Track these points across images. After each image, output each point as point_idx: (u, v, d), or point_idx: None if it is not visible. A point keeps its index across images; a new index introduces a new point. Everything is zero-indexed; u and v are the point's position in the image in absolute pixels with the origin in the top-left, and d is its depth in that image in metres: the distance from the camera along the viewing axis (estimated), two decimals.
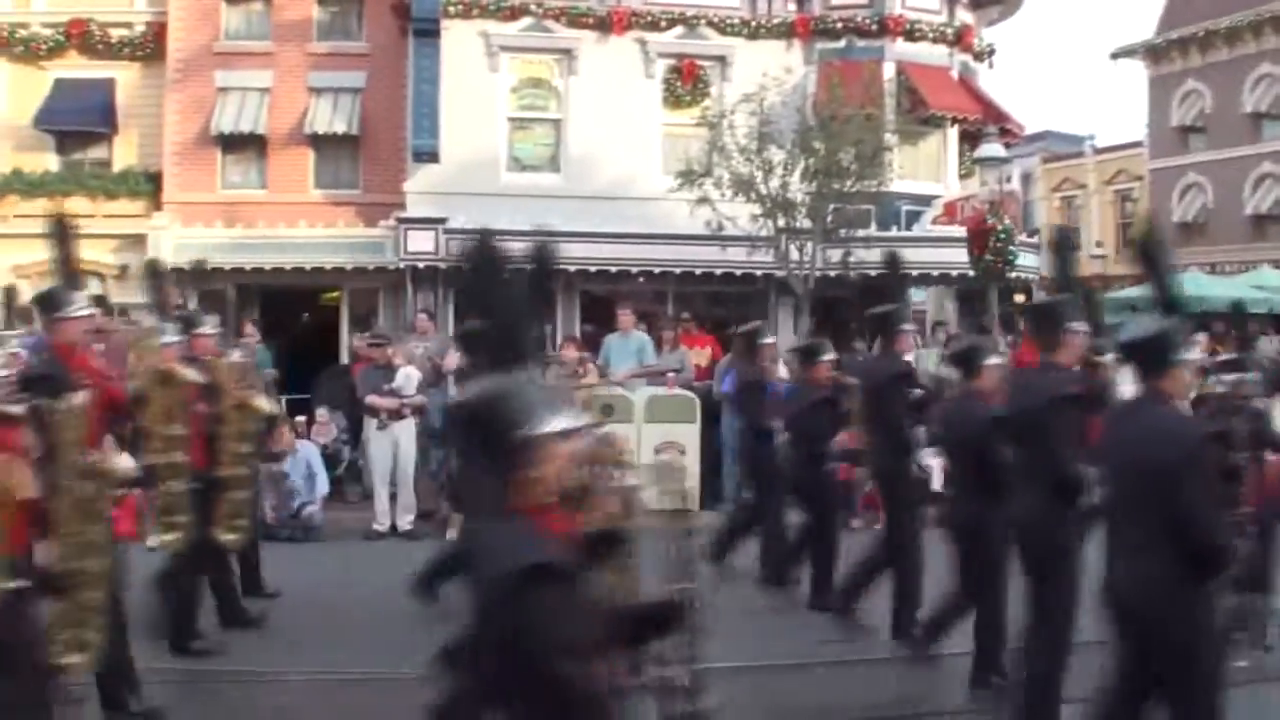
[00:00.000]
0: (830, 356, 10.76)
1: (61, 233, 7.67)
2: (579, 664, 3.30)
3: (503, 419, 3.48)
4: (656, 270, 21.17)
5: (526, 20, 22.44)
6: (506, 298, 4.22)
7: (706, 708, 3.79)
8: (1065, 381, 7.03)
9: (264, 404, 10.20)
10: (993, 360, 7.89)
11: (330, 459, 15.49)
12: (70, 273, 7.77)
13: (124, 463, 6.66)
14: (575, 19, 22.47)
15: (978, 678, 7.58)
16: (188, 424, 8.47)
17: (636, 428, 14.42)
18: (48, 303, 7.54)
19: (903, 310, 10.29)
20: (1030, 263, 22.62)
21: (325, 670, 8.40)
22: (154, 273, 10.36)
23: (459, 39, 22.06)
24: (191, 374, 8.63)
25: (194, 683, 8.11)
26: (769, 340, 12.20)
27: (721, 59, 22.92)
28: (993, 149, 19.99)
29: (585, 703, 3.31)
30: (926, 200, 23.15)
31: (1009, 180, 20.51)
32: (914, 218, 22.96)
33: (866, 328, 11.50)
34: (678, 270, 21.38)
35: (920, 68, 22.92)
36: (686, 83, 22.81)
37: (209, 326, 9.95)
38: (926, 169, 23.32)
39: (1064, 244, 9.31)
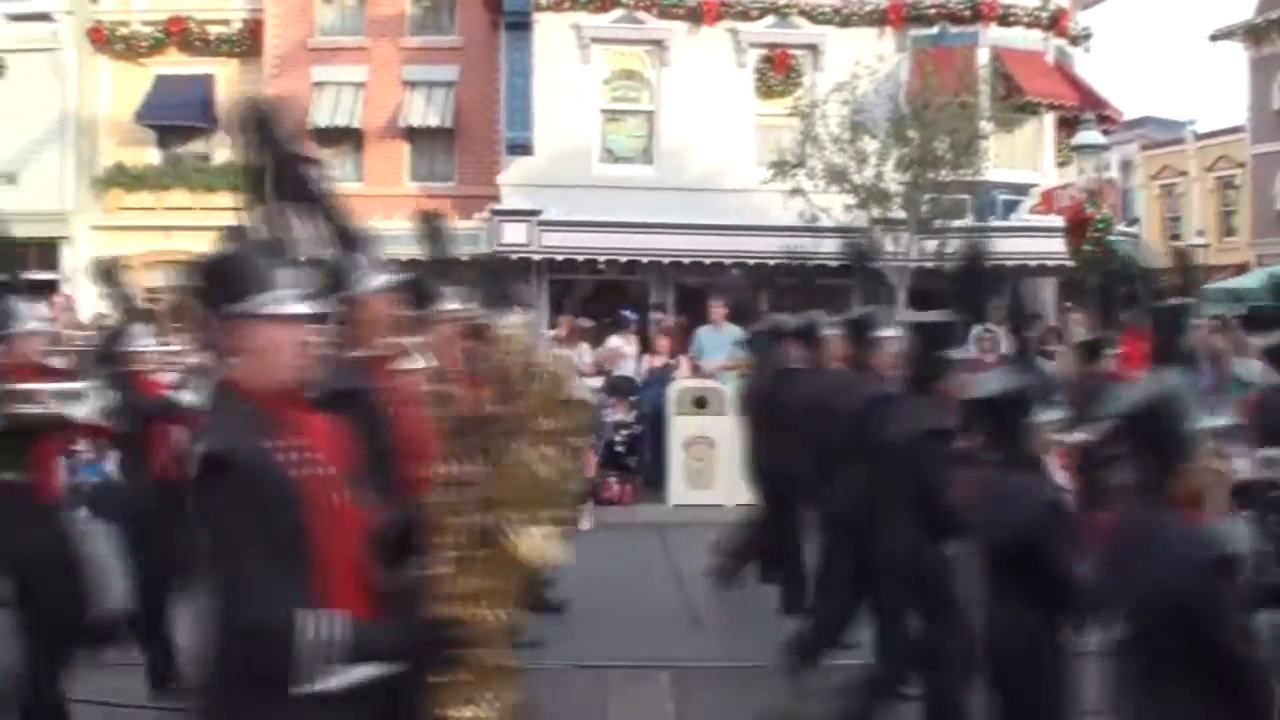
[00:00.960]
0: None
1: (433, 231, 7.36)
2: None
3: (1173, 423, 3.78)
4: (750, 262, 21.08)
5: (618, 12, 22.45)
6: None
7: None
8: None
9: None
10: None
11: None
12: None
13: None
14: (666, 10, 22.44)
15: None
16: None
17: (729, 420, 14.35)
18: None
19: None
20: (1130, 253, 22.24)
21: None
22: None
23: (550, 31, 22.12)
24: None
25: None
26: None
27: (813, 48, 22.78)
28: (1090, 136, 19.65)
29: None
30: (1023, 189, 22.83)
31: (1107, 168, 20.18)
32: (1011, 207, 22.64)
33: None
34: (771, 262, 21.27)
35: (1015, 53, 22.59)
36: (778, 72, 22.70)
37: None
38: (1023, 157, 22.98)
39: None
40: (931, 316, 6.92)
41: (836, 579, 7.25)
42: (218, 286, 3.14)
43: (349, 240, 3.80)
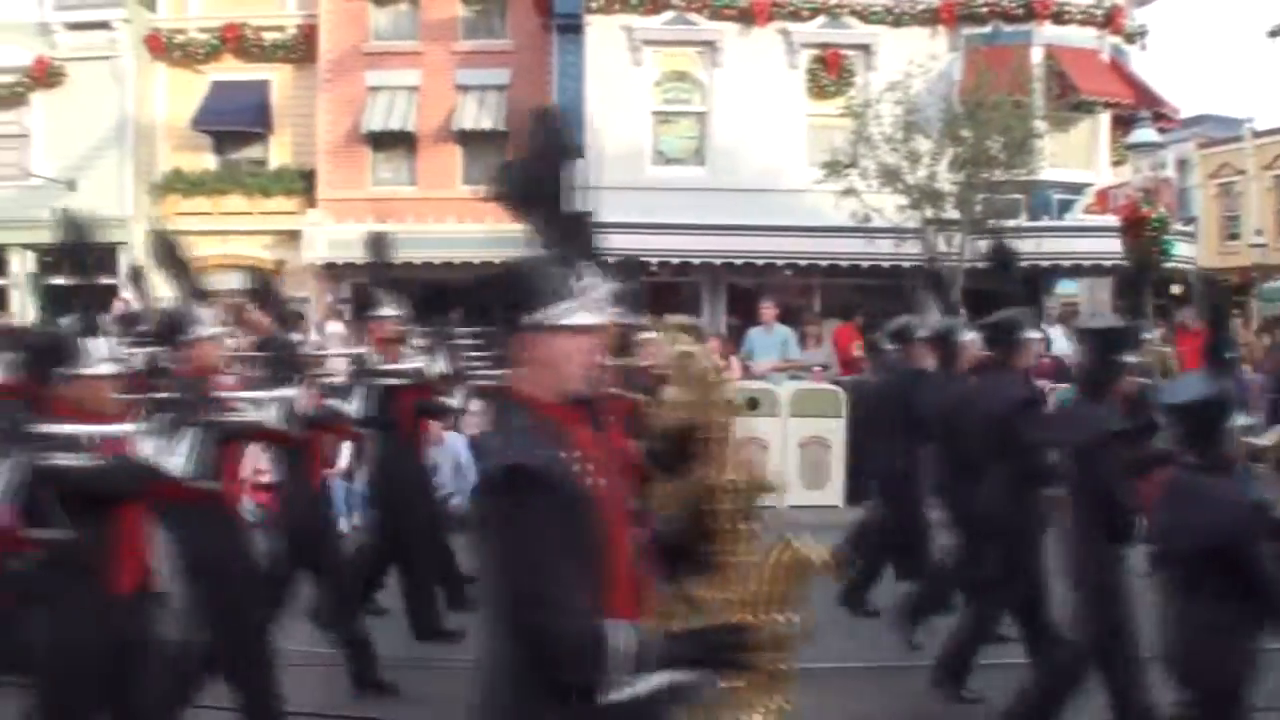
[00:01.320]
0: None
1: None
2: None
3: None
4: (802, 263, 21.05)
5: (669, 14, 22.48)
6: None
7: None
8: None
9: None
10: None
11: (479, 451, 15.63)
12: None
13: None
14: (718, 11, 22.44)
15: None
16: None
17: (782, 421, 14.35)
18: None
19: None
20: (1187, 252, 22.04)
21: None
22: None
23: (602, 34, 22.18)
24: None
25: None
26: (1030, 334, 7.62)
27: (866, 48, 22.71)
28: (1146, 134, 19.50)
29: None
30: (1078, 188, 22.67)
31: (1164, 167, 20.03)
32: (1065, 207, 22.49)
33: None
34: (824, 263, 21.25)
35: (1070, 51, 22.43)
36: (831, 73, 22.66)
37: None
38: (1078, 156, 22.81)
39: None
40: (1105, 321, 6.96)
41: (981, 581, 7.28)
42: (511, 297, 3.14)
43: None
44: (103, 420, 4.83)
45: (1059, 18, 22.52)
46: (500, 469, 2.92)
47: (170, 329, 6.33)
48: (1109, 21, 23.07)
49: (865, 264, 21.00)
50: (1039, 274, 20.04)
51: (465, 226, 22.38)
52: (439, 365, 8.38)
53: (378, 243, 9.28)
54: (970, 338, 8.28)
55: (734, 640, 3.19)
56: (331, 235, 22.01)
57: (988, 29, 22.55)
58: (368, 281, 9.29)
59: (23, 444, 4.21)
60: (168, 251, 7.14)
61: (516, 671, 3.01)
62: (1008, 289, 7.50)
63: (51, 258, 7.03)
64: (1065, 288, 23.23)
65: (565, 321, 3.09)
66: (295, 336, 8.68)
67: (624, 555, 3.09)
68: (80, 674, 4.74)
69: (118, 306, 15.15)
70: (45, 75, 23.92)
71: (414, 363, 8.47)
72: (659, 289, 22.14)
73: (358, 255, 19.57)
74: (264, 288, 8.74)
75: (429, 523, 9.06)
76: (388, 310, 8.57)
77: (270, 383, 6.71)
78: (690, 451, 3.56)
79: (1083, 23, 22.75)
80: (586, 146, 21.71)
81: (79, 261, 5.39)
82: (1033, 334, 7.36)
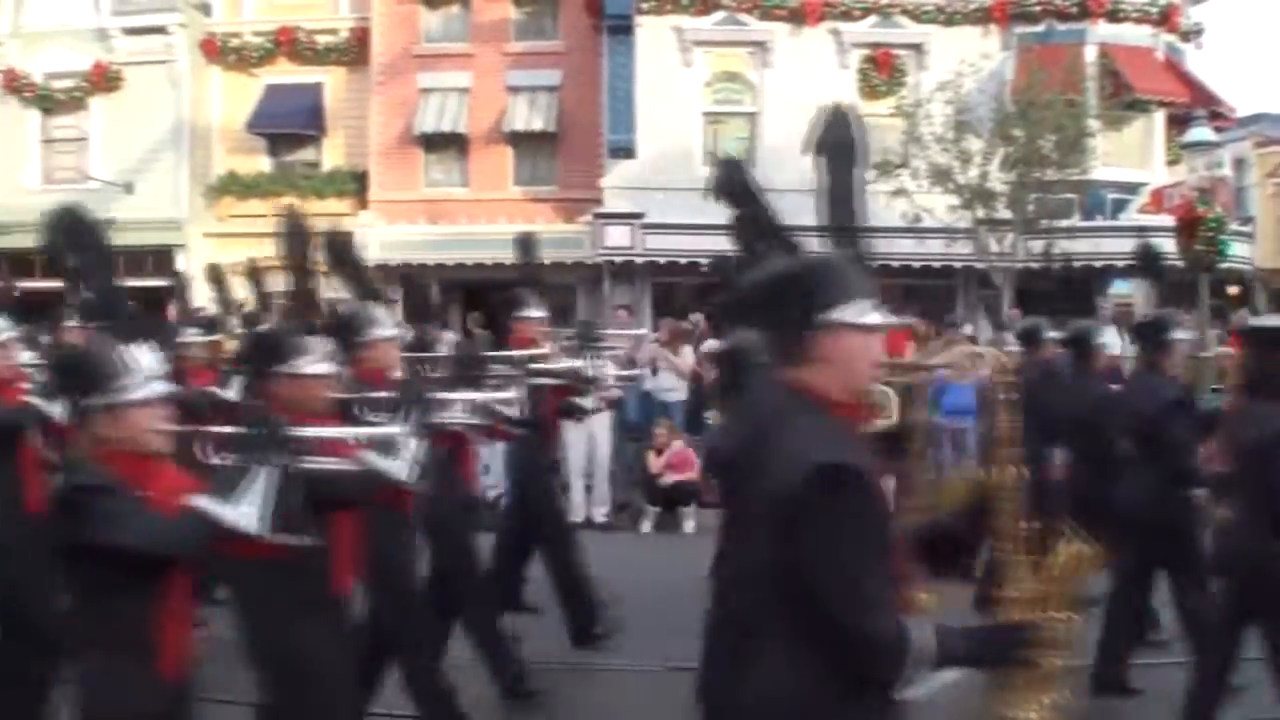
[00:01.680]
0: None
1: None
2: None
3: None
4: None
5: (719, 14, 22.48)
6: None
7: None
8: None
9: None
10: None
11: None
12: None
13: None
14: (768, 11, 22.42)
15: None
16: None
17: None
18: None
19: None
20: (1243, 252, 21.78)
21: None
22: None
23: (652, 35, 22.21)
24: None
25: None
26: (1179, 335, 7.52)
27: (917, 47, 22.62)
28: (1202, 133, 19.24)
29: None
30: (1132, 188, 22.46)
31: (1220, 166, 19.77)
32: (1119, 206, 22.30)
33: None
34: (874, 263, 21.15)
35: (1124, 50, 22.24)
36: (882, 72, 22.58)
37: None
38: (1132, 156, 22.62)
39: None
40: (1271, 321, 6.97)
41: (1121, 582, 7.24)
42: (802, 296, 3.16)
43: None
44: (316, 421, 4.66)
45: (1114, 16, 22.34)
46: (815, 467, 2.92)
47: (347, 330, 6.17)
48: (1164, 19, 22.87)
49: (916, 264, 20.92)
50: (1092, 274, 19.89)
51: (516, 227, 22.35)
52: (587, 366, 8.33)
53: (525, 243, 9.25)
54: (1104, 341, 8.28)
55: (1018, 638, 3.24)
56: (384, 236, 22.14)
57: (1041, 28, 22.40)
58: (518, 279, 9.17)
59: (280, 449, 4.04)
60: (341, 252, 7.18)
61: (812, 666, 3.01)
62: (1158, 288, 7.53)
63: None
64: (1119, 288, 23.03)
65: (860, 320, 3.12)
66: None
67: (896, 554, 3.12)
68: (318, 677, 4.76)
69: (172, 310, 15.32)
70: (103, 80, 24.23)
71: (568, 363, 8.42)
72: (710, 290, 22.16)
73: (410, 256, 19.86)
74: (417, 289, 8.81)
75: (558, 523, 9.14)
76: (533, 311, 8.52)
77: (454, 384, 6.65)
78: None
79: (1138, 21, 22.57)
80: (637, 147, 21.82)
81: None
82: (1182, 335, 7.37)
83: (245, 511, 3.78)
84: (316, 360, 4.98)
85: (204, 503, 3.83)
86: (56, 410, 5.14)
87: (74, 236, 5.18)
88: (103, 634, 3.97)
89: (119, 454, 3.97)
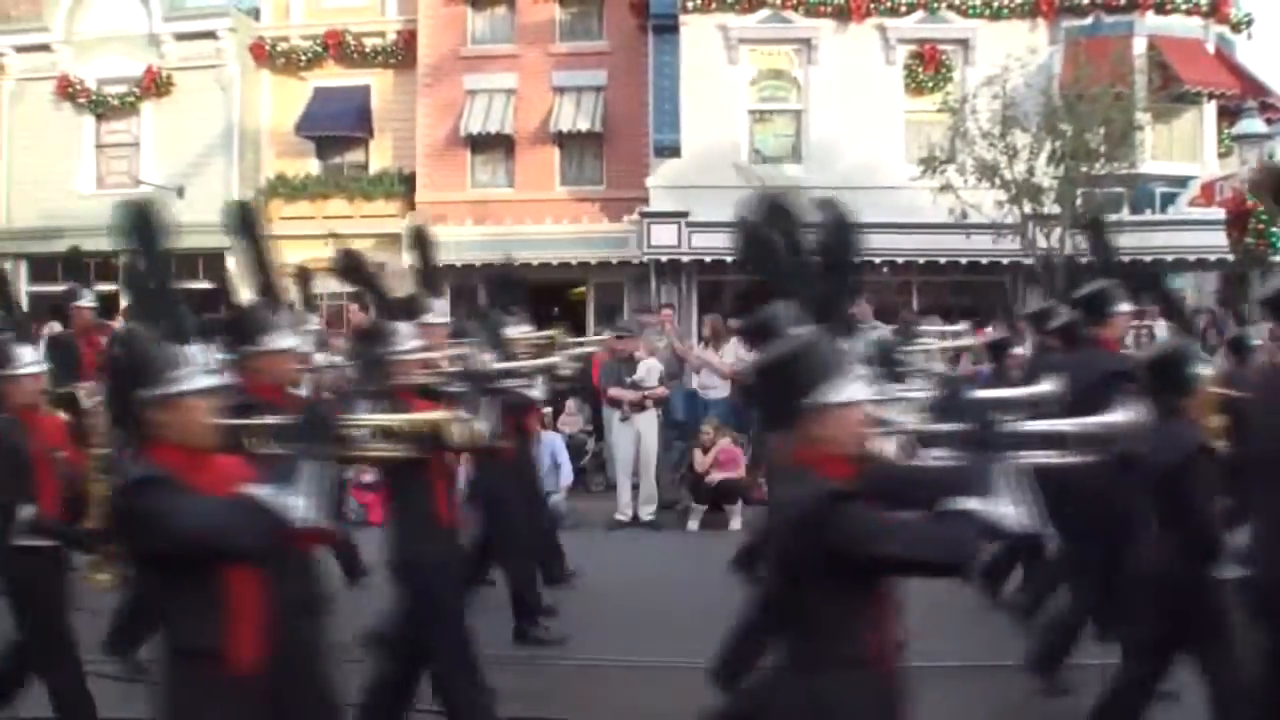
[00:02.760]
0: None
1: None
2: None
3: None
4: (900, 260, 20.90)
5: (764, 12, 22.43)
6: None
7: None
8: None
9: None
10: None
11: (575, 449, 15.74)
12: None
13: None
14: (813, 8, 22.35)
15: None
16: None
17: None
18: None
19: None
20: None
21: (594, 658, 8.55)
22: None
23: (697, 33, 22.21)
24: None
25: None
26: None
27: (964, 42, 22.50)
28: (1253, 125, 19.07)
29: None
30: (1182, 181, 22.23)
31: (1271, 157, 19.54)
32: (1169, 200, 22.09)
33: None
34: (921, 260, 21.11)
35: (1173, 41, 22.02)
36: (928, 68, 22.48)
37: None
38: (1182, 149, 22.41)
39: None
40: None
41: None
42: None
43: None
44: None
45: (1162, 8, 22.12)
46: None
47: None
48: (1214, 11, 22.62)
49: (964, 260, 20.84)
50: (1142, 269, 19.74)
51: (563, 228, 22.56)
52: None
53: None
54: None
55: None
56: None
57: (1088, 21, 22.21)
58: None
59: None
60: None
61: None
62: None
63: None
64: (1170, 283, 22.86)
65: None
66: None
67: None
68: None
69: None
70: (155, 85, 24.51)
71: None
72: (756, 287, 22.15)
73: (457, 257, 19.92)
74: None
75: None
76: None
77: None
78: None
79: (1187, 12, 22.33)
80: (682, 146, 21.83)
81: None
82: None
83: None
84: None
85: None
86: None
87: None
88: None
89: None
